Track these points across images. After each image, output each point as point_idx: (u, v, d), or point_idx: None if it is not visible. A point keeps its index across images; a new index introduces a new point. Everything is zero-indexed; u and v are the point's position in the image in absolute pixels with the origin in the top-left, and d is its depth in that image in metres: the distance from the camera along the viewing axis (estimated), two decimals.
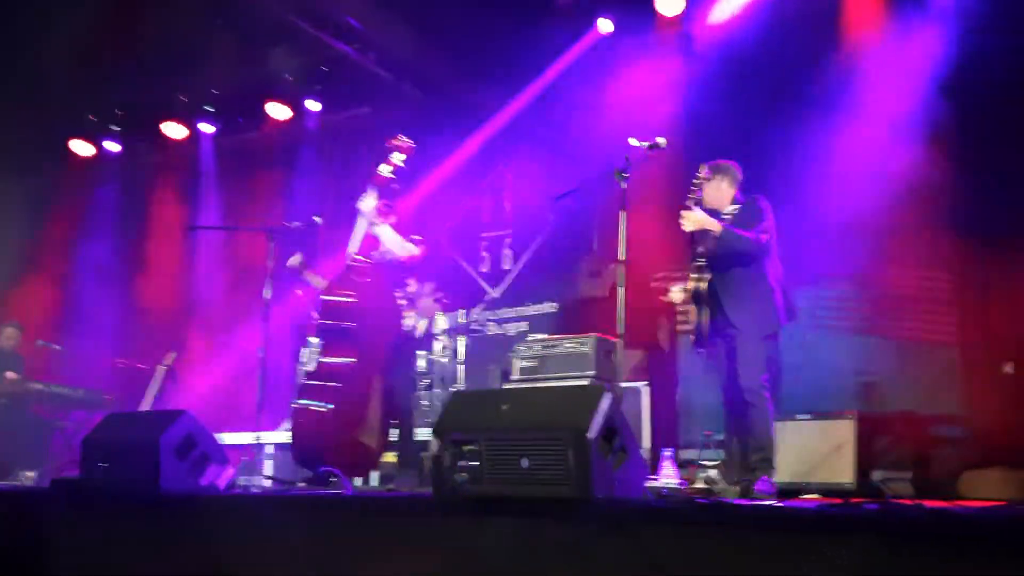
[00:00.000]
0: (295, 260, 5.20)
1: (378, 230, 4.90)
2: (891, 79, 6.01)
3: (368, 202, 4.91)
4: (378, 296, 4.84)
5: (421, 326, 5.08)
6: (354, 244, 4.95)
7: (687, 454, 5.88)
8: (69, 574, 3.83)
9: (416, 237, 5.10)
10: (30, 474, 6.44)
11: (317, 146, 9.27)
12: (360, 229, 4.94)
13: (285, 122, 8.83)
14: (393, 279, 5.02)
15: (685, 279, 4.52)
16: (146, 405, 7.41)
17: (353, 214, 5.19)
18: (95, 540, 3.86)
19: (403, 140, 4.96)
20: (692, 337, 4.51)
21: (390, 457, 5.12)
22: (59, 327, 8.62)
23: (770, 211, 4.47)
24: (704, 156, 4.79)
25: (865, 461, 5.15)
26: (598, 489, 2.74)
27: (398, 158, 4.93)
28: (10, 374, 7.23)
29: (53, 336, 8.20)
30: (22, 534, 3.97)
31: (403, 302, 5.02)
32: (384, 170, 4.90)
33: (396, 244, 4.94)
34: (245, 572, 3.42)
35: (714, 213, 4.58)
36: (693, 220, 4.38)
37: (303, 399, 4.73)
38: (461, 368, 6.81)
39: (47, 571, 3.86)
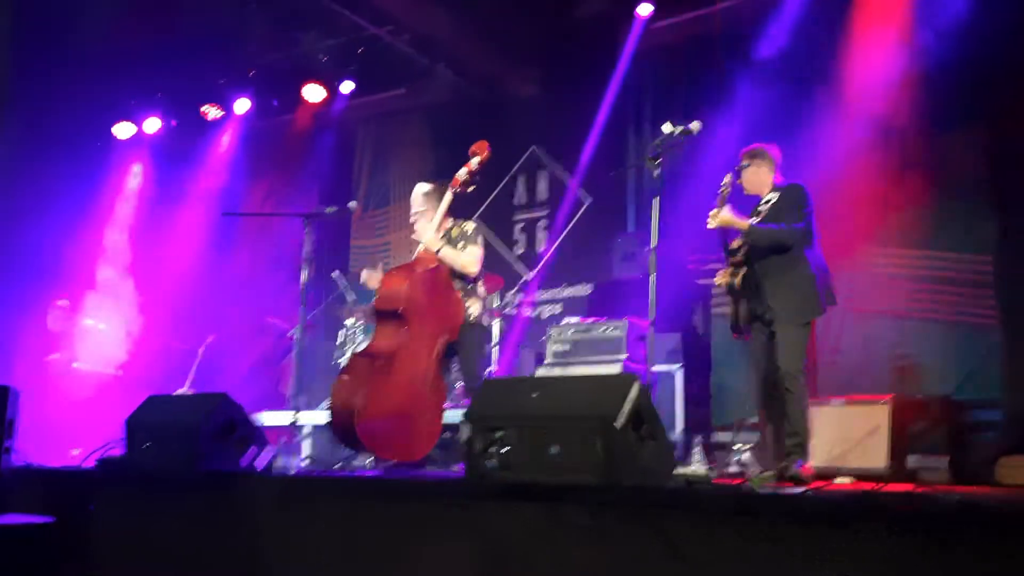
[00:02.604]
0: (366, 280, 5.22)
1: (443, 253, 4.85)
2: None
3: (428, 231, 4.89)
4: (437, 286, 4.80)
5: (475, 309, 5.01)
6: (425, 234, 4.91)
7: (721, 437, 5.88)
8: (114, 550, 3.97)
9: (471, 227, 5.00)
10: (75, 451, 6.67)
11: (352, 129, 9.34)
12: (434, 222, 4.88)
13: (320, 105, 8.89)
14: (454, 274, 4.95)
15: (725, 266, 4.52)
16: (187, 386, 7.58)
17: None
18: (139, 518, 3.99)
19: (484, 146, 4.97)
20: (730, 326, 4.51)
21: None
22: (103, 308, 8.81)
23: (810, 197, 4.43)
24: (742, 140, 4.76)
25: (900, 446, 5.11)
26: (625, 477, 2.77)
27: (476, 162, 4.92)
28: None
29: (98, 317, 8.40)
30: (71, 510, 4.11)
31: (461, 292, 4.91)
32: (461, 174, 4.90)
33: (458, 261, 4.88)
34: (282, 550, 3.52)
35: (754, 199, 4.56)
36: (720, 220, 4.39)
37: (344, 377, 4.73)
38: (495, 351, 6.86)
39: (95, 546, 4.00)
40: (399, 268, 4.93)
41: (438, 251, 4.85)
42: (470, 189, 4.97)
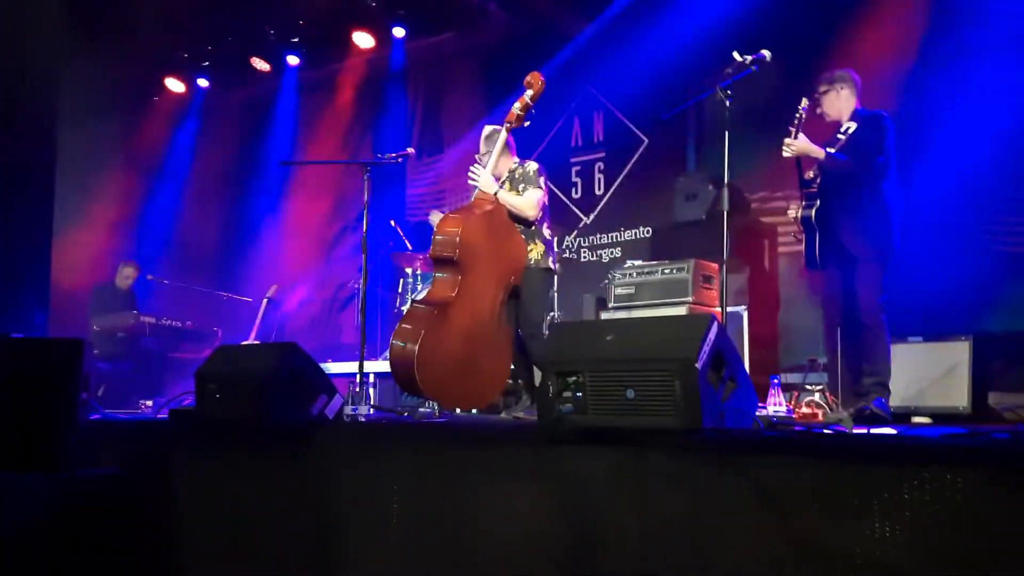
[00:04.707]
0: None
1: (501, 195, 4.68)
2: None
3: (484, 174, 4.67)
4: (495, 228, 4.62)
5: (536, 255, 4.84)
6: (480, 177, 4.71)
7: (790, 378, 5.76)
8: (186, 500, 4.04)
9: (533, 168, 4.82)
10: (148, 403, 6.83)
11: (403, 74, 9.24)
12: (489, 163, 4.70)
13: (371, 52, 8.80)
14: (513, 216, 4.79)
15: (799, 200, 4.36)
16: (252, 337, 7.68)
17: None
18: (213, 468, 4.04)
19: (537, 77, 4.71)
20: (804, 261, 4.36)
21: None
22: (166, 262, 8.95)
23: (891, 127, 4.22)
24: (814, 69, 4.55)
25: (981, 384, 4.94)
26: (707, 420, 2.68)
27: (530, 95, 4.67)
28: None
29: (162, 271, 8.55)
30: (146, 460, 4.19)
31: (524, 236, 4.76)
32: (516, 109, 4.66)
33: (516, 204, 4.72)
34: (352, 498, 3.53)
35: (834, 125, 4.37)
36: (796, 148, 4.20)
37: (403, 326, 4.64)
38: (555, 297, 6.78)
39: (167, 497, 4.07)
40: (454, 212, 4.74)
41: (495, 193, 4.68)
42: (526, 124, 4.75)
